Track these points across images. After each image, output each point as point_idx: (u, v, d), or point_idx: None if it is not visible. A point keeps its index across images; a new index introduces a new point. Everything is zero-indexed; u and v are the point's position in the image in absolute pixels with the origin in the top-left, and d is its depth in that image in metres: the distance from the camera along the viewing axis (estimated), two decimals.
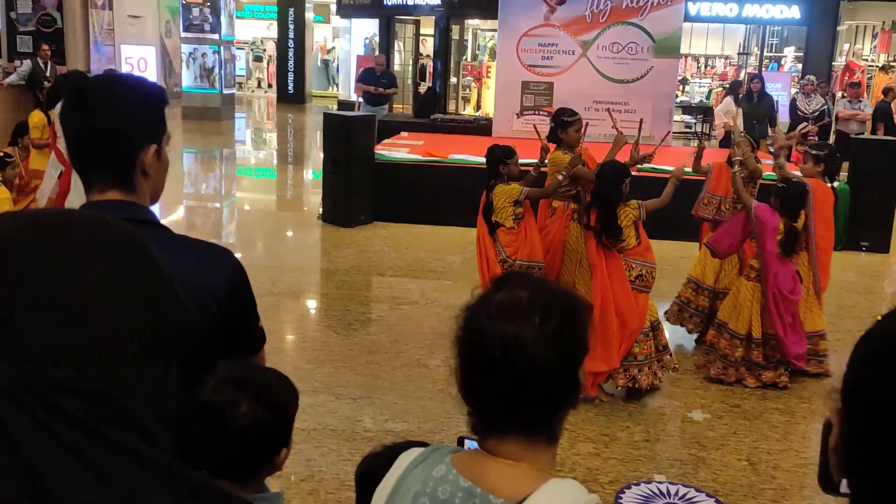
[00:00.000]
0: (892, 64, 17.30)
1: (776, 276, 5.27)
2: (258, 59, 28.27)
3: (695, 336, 6.27)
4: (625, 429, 4.78)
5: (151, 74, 18.47)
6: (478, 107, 18.47)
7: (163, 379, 0.68)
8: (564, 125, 5.90)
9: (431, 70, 18.81)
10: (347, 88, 21.32)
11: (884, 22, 18.68)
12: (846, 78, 15.93)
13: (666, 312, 6.38)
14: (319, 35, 26.83)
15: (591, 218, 5.10)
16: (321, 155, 10.18)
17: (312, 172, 13.67)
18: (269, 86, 27.27)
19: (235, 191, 12.54)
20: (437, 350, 5.80)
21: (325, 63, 27.10)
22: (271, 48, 26.69)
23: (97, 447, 0.59)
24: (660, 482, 4.17)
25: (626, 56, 11.88)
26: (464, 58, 19.90)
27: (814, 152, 5.91)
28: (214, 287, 1.65)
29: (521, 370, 1.23)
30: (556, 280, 5.43)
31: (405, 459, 1.36)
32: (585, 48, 12.00)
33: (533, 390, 1.25)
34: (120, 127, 1.62)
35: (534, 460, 1.28)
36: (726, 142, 11.93)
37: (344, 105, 18.90)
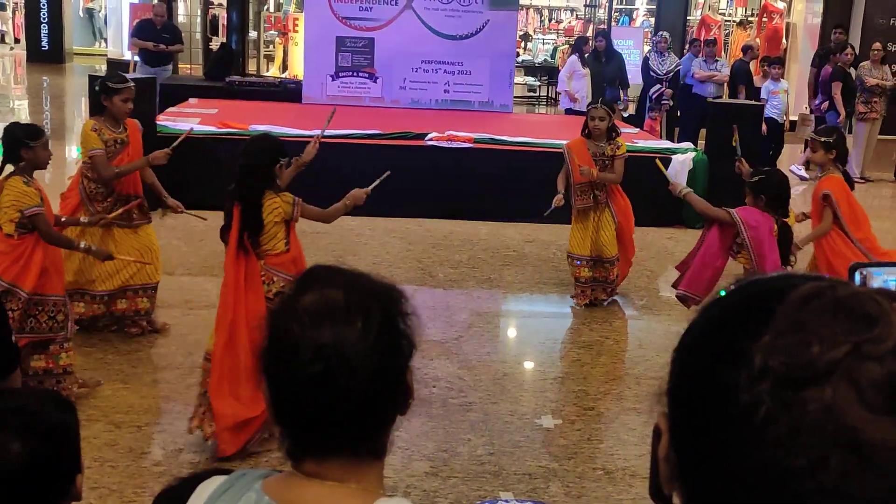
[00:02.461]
0: (749, 19, 18.59)
1: None
2: (0, 7, 26.71)
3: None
4: (466, 442, 4.94)
5: None
6: (284, 67, 18.31)
7: None
8: (109, 91, 5.87)
9: (225, 22, 18.44)
10: (119, 44, 20.54)
11: None
12: (702, 34, 16.96)
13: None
14: None
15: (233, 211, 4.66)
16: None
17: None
18: (16, 41, 25.83)
19: None
20: None
21: (90, 13, 26.00)
22: None
23: None
24: (507, 500, 4.34)
25: (458, 7, 12.14)
26: (265, 8, 19.64)
27: (823, 139, 6.02)
28: None
29: (345, 384, 1.26)
30: None
31: (206, 489, 1.37)
32: None
33: (359, 405, 1.28)
34: None
35: (360, 479, 1.32)
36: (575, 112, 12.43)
37: (115, 65, 18.18)
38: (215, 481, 1.39)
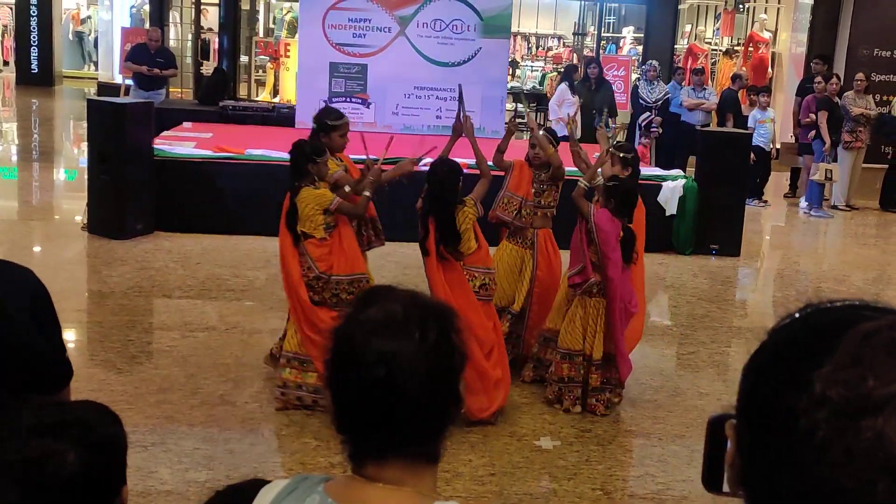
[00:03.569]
0: (736, 49, 18.86)
1: (622, 287, 5.66)
2: None
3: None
4: (467, 463, 5.03)
5: None
6: (275, 92, 18.44)
7: None
8: (328, 129, 6.02)
9: (216, 47, 18.56)
10: (109, 68, 20.64)
11: (726, 2, 20.33)
12: (689, 63, 17.22)
13: None
14: (70, 1, 25.79)
15: (428, 227, 5.34)
16: (76, 150, 9.87)
17: (65, 172, 13.19)
18: (6, 63, 25.88)
19: None
20: (244, 383, 5.84)
21: (80, 36, 26.08)
22: (7, 16, 25.35)
23: None
24: None
25: (451, 35, 12.30)
26: (256, 33, 19.79)
27: (621, 154, 6.34)
28: (10, 311, 1.69)
29: (404, 388, 1.39)
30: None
31: (270, 492, 1.48)
32: (404, 25, 12.32)
33: (416, 409, 1.41)
34: None
35: (416, 483, 1.44)
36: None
37: (106, 88, 18.31)
38: (278, 485, 1.49)
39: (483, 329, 5.31)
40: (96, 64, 23.47)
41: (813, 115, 12.74)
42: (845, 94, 13.11)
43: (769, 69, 18.24)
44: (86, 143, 10.75)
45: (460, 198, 5.39)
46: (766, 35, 18.52)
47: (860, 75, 13.41)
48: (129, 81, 13.75)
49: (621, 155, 6.34)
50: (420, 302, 1.47)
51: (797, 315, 0.97)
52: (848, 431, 0.83)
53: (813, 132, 12.78)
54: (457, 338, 1.47)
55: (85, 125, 11.89)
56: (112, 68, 19.98)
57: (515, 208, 6.33)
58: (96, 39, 23.86)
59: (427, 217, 5.37)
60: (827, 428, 0.85)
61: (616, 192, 5.71)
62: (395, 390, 1.39)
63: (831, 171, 12.50)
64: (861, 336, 0.87)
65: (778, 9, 19.11)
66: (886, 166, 13.73)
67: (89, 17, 25.93)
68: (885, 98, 15.65)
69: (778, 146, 14.56)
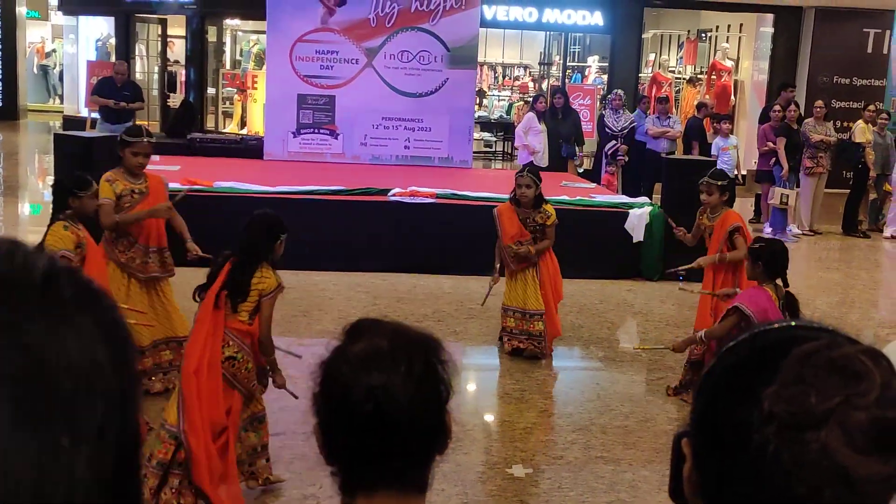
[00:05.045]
0: (699, 77, 19.15)
1: None
2: None
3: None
4: (439, 492, 5.04)
5: None
6: (243, 124, 18.46)
7: None
8: (123, 144, 6.14)
9: (183, 79, 18.60)
10: (75, 101, 20.57)
11: (689, 31, 20.66)
12: (653, 91, 17.45)
13: None
14: (35, 35, 25.72)
15: (222, 269, 4.64)
16: (42, 184, 9.83)
17: (31, 206, 13.12)
18: None
19: None
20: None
21: (44, 70, 26.00)
22: None
23: None
24: None
25: (419, 66, 12.42)
26: (223, 65, 19.84)
27: (719, 183, 7.03)
28: None
29: (393, 421, 1.43)
30: None
31: None
32: (371, 56, 12.43)
33: (405, 440, 1.45)
34: None
35: None
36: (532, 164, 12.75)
37: (71, 122, 18.23)
38: None
39: (214, 406, 4.58)
40: (61, 97, 23.39)
41: (770, 144, 12.95)
42: (805, 121, 13.35)
43: (732, 97, 18.54)
44: (51, 177, 10.70)
45: (275, 259, 4.76)
46: (729, 63, 18.83)
47: (819, 102, 13.67)
48: (95, 115, 13.73)
49: (719, 183, 6.86)
50: (405, 335, 1.52)
51: (741, 338, 1.05)
52: (795, 444, 0.92)
53: (774, 159, 12.98)
54: (442, 369, 1.51)
55: (50, 159, 11.87)
56: (77, 102, 19.92)
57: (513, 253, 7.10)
58: (61, 73, 23.79)
59: (227, 259, 4.66)
60: (776, 441, 0.93)
61: (762, 253, 5.59)
62: (384, 423, 1.43)
63: (787, 195, 12.70)
64: (802, 356, 0.95)
65: (739, 37, 19.45)
66: (848, 191, 13.97)
67: (54, 51, 25.87)
68: (844, 124, 15.97)
69: (743, 172, 14.77)
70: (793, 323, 1.04)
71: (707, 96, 17.47)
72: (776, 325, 1.05)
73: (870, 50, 17.47)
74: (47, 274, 0.54)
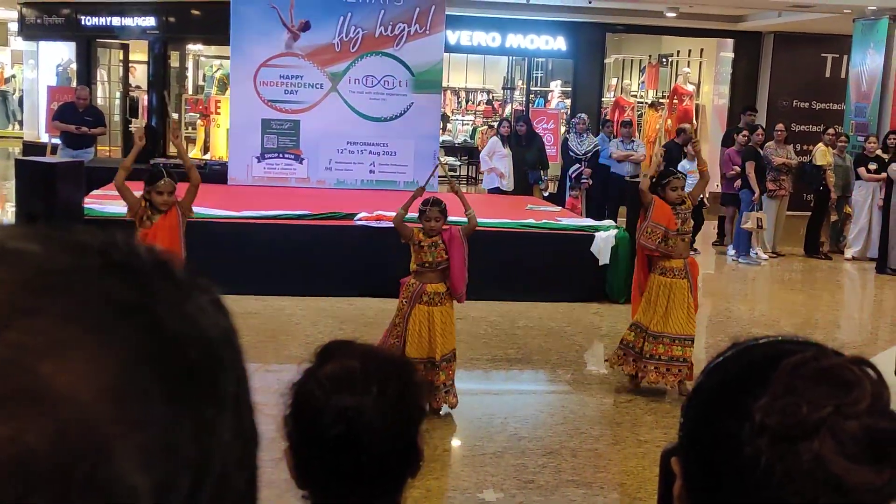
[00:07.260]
0: (661, 101, 19.36)
1: None
2: None
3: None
4: None
5: None
6: (206, 149, 18.37)
7: None
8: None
9: (146, 104, 18.49)
10: (35, 126, 20.35)
11: (650, 56, 20.90)
12: (616, 115, 17.61)
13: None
14: None
15: None
16: (0, 210, 9.73)
17: None
18: None
19: None
20: None
21: (3, 95, 25.73)
22: None
23: None
24: None
25: (383, 90, 12.45)
26: (185, 90, 19.75)
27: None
28: None
29: (364, 443, 1.42)
30: None
31: None
32: (335, 81, 12.44)
33: (376, 462, 1.44)
34: None
35: None
36: (497, 189, 12.82)
37: (31, 148, 18.03)
38: None
39: None
40: (21, 123, 23.13)
41: (737, 168, 13.07)
42: (767, 144, 13.50)
43: (693, 121, 18.75)
44: (11, 204, 10.57)
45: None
46: (690, 88, 19.05)
47: (780, 126, 13.86)
48: (56, 140, 13.60)
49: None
50: (377, 356, 1.51)
51: (728, 354, 1.06)
52: (788, 455, 0.92)
53: (739, 182, 13.11)
54: (414, 390, 1.50)
55: (9, 185, 11.73)
56: (38, 127, 19.71)
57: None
58: (21, 98, 23.54)
59: None
60: (769, 453, 0.93)
61: None
62: (356, 445, 1.41)
63: (761, 219, 12.83)
64: (791, 368, 0.96)
65: (700, 62, 19.70)
66: (809, 213, 14.14)
67: (13, 76, 25.62)
68: (805, 147, 16.19)
69: (707, 195, 14.89)
70: (779, 338, 1.05)
71: (688, 124, 17.62)
72: (762, 341, 1.05)
73: (828, 74, 17.76)
74: (155, 258, 0.55)
